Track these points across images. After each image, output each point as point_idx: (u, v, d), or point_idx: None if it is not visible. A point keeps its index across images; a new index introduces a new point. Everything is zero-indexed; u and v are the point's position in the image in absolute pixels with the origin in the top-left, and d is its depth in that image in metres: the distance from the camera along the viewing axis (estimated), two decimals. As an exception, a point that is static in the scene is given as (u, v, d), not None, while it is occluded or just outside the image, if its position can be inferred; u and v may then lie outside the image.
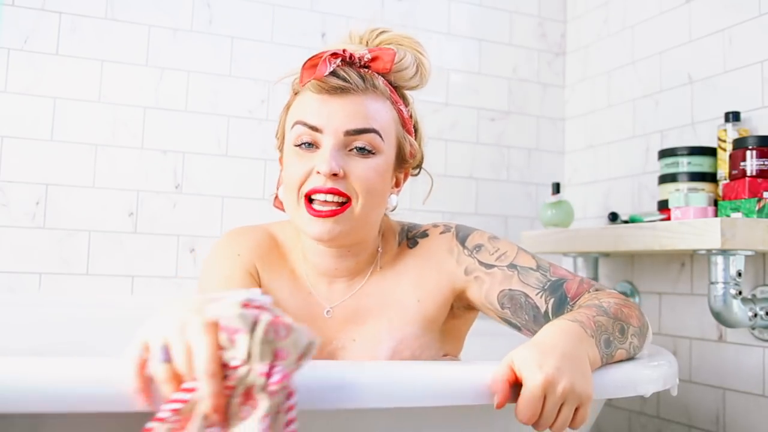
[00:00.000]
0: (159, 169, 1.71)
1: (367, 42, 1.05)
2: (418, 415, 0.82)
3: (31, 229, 1.60)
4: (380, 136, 0.97)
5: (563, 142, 2.12)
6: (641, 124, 1.81)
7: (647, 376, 0.92)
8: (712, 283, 1.33)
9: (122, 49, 1.69)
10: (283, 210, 1.06)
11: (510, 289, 0.99)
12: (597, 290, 1.01)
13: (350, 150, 0.96)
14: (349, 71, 0.96)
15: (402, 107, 1.03)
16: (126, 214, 1.67)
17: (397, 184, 1.06)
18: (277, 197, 1.08)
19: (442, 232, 1.06)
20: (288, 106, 1.03)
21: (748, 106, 1.47)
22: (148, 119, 1.70)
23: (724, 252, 1.30)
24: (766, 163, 1.34)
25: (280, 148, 1.06)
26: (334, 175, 0.93)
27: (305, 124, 0.96)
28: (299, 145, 0.96)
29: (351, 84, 0.95)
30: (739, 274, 1.31)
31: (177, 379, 0.63)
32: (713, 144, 1.53)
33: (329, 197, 0.94)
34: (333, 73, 0.95)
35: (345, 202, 0.94)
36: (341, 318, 1.03)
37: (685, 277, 1.60)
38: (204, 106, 1.76)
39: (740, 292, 1.32)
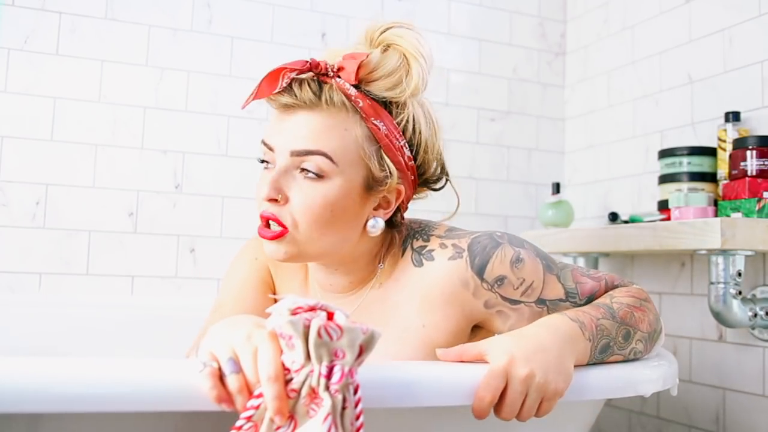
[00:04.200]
0: (159, 169, 1.71)
1: (371, 40, 0.96)
2: (417, 415, 0.82)
3: (31, 229, 1.60)
4: (330, 159, 0.87)
5: (563, 142, 2.12)
6: (641, 124, 1.81)
7: (647, 376, 0.92)
8: (712, 283, 1.33)
9: (122, 49, 1.69)
10: None
11: None
12: (617, 287, 0.99)
13: (300, 171, 0.89)
14: (305, 85, 0.88)
15: (377, 122, 0.90)
16: (126, 214, 1.67)
17: (386, 206, 0.95)
18: None
19: (451, 258, 0.93)
20: None
21: (748, 106, 1.47)
22: (148, 119, 1.70)
23: (724, 252, 1.30)
24: (766, 163, 1.33)
25: None
26: (274, 200, 0.88)
27: (263, 143, 0.92)
28: (262, 162, 0.93)
29: (298, 101, 0.87)
30: (739, 274, 1.31)
31: (249, 388, 0.66)
32: (713, 144, 1.53)
33: (271, 223, 0.90)
34: (288, 88, 0.88)
35: (283, 230, 0.89)
36: None
37: (685, 277, 1.60)
38: (204, 106, 1.75)
39: (740, 292, 1.32)
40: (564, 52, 2.14)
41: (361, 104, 0.89)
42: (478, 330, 0.99)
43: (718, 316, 1.34)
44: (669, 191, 1.52)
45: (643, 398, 1.66)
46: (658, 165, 1.59)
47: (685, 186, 1.50)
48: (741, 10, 1.52)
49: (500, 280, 0.91)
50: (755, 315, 1.33)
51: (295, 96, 0.88)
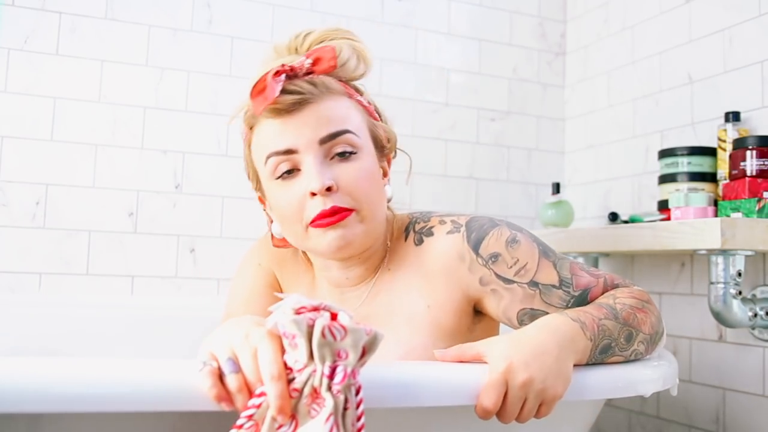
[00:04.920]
0: (159, 169, 1.71)
1: (296, 49, 0.99)
2: (418, 415, 0.82)
3: (31, 229, 1.60)
4: (355, 134, 0.93)
5: (563, 142, 2.12)
6: (641, 124, 1.81)
7: (647, 376, 0.92)
8: (712, 283, 1.33)
9: (122, 49, 1.69)
10: (285, 246, 1.04)
11: (531, 309, 0.94)
12: (617, 286, 0.98)
13: (332, 158, 0.91)
14: (298, 83, 0.91)
15: (360, 98, 0.99)
16: (126, 214, 1.67)
17: (385, 174, 1.01)
18: (273, 237, 1.04)
19: (449, 232, 0.96)
20: (249, 144, 0.98)
21: (748, 106, 1.47)
22: (148, 119, 1.70)
23: (724, 252, 1.30)
24: (766, 163, 1.33)
25: (257, 188, 1.01)
26: (328, 189, 0.88)
27: (278, 152, 0.91)
28: (280, 177, 0.92)
29: (306, 94, 0.90)
30: (739, 274, 1.31)
31: (249, 388, 0.66)
32: (713, 144, 1.53)
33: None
34: (284, 91, 0.89)
35: (348, 210, 0.90)
36: None
37: (685, 277, 1.60)
38: (204, 106, 1.75)
39: (740, 292, 1.32)
40: (564, 52, 2.14)
41: (342, 88, 0.96)
42: (482, 316, 0.99)
43: (718, 316, 1.34)
44: (669, 191, 1.52)
45: (643, 398, 1.66)
46: (658, 165, 1.59)
47: (685, 186, 1.50)
48: (741, 10, 1.52)
49: (494, 256, 0.93)
50: (755, 315, 1.33)
51: (299, 92, 0.90)
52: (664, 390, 0.96)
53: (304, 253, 1.07)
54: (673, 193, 1.49)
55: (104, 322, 1.56)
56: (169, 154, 1.72)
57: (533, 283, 0.94)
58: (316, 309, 0.67)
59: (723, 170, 1.46)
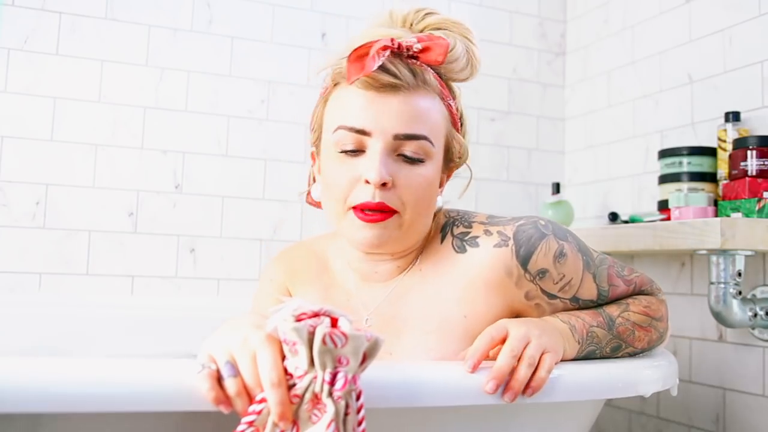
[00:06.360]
0: (159, 169, 1.71)
1: (411, 24, 0.95)
2: (420, 415, 0.82)
3: (31, 229, 1.60)
4: (431, 142, 0.88)
5: (563, 142, 2.12)
6: (641, 124, 1.81)
7: (647, 376, 0.92)
8: (712, 283, 1.33)
9: (122, 49, 1.69)
10: (316, 206, 1.01)
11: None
12: (642, 292, 0.99)
13: (398, 155, 0.87)
14: (398, 65, 0.86)
15: (451, 102, 0.94)
16: (126, 214, 1.67)
17: (441, 184, 0.97)
18: (309, 194, 1.01)
19: (497, 245, 0.91)
20: (326, 98, 0.93)
21: (748, 106, 1.47)
22: (148, 119, 1.70)
23: (724, 252, 1.30)
24: (766, 163, 1.33)
25: (316, 144, 0.96)
26: (384, 184, 0.85)
27: (350, 129, 0.86)
28: (342, 152, 0.88)
29: (402, 81, 0.85)
30: (739, 274, 1.31)
31: (248, 392, 0.66)
32: (713, 144, 1.53)
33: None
34: (382, 67, 0.84)
35: (391, 211, 0.87)
36: (379, 327, 0.94)
37: (685, 277, 1.60)
38: (204, 106, 1.75)
39: (740, 292, 1.32)
40: (564, 52, 2.14)
41: (438, 87, 0.91)
42: None
43: (718, 316, 1.34)
44: (669, 191, 1.52)
45: (643, 398, 1.66)
46: (658, 165, 1.59)
47: (685, 186, 1.50)
48: (741, 10, 1.52)
49: (542, 272, 0.91)
50: (755, 315, 1.33)
51: (396, 76, 0.86)
52: (664, 390, 0.96)
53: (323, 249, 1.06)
54: (673, 193, 1.49)
55: (104, 322, 1.56)
56: (169, 154, 1.72)
57: (574, 299, 0.94)
58: (316, 315, 0.67)
59: (723, 170, 1.46)
